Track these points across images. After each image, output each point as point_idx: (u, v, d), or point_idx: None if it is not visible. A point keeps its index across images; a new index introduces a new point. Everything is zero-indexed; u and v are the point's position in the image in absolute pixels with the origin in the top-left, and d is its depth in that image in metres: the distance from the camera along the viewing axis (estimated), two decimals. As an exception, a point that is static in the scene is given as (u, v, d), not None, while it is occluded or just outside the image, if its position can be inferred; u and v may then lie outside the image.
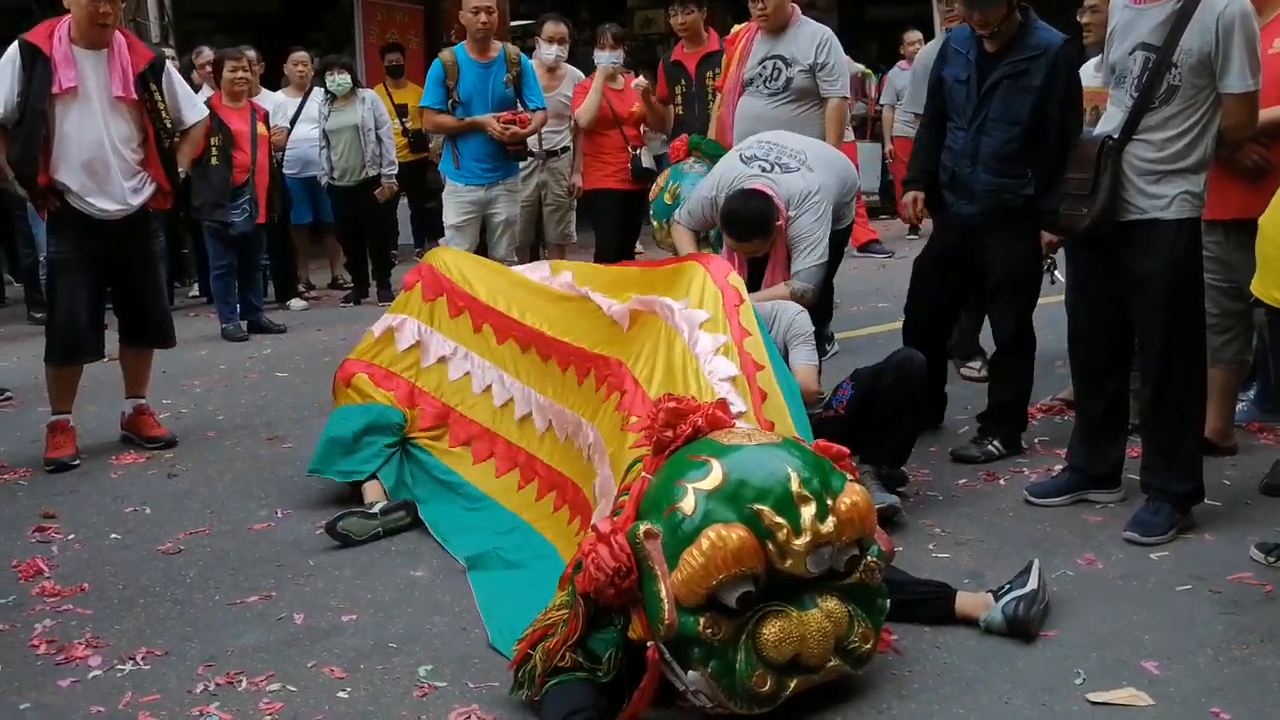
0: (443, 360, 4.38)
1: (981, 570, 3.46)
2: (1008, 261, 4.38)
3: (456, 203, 6.30)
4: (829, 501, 2.61)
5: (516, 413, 4.13)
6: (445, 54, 6.32)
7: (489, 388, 4.24)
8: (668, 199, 5.49)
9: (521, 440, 4.06)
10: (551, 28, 7.25)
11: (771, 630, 2.55)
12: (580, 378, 3.84)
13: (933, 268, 4.63)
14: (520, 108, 6.24)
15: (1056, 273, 4.38)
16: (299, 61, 8.85)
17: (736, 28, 6.00)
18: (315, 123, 8.50)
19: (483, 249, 6.34)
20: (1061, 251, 4.20)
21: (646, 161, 6.80)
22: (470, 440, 4.21)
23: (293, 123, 8.62)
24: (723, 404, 2.93)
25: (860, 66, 9.47)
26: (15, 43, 4.66)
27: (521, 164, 6.60)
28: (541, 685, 2.68)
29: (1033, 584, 3.09)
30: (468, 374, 4.32)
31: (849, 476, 2.77)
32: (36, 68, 4.55)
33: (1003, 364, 4.56)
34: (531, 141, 7.20)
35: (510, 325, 4.26)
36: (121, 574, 3.70)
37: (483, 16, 6.10)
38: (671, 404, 2.84)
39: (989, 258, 4.40)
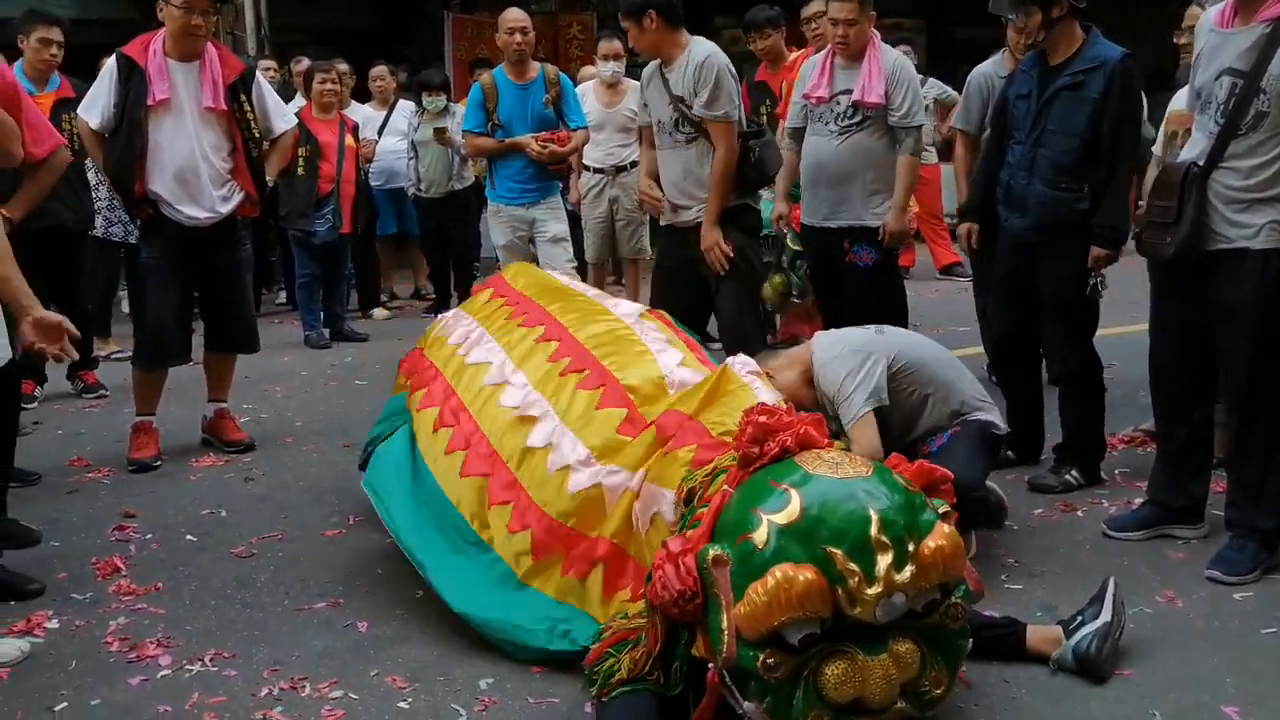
0: (467, 341, 4.02)
1: (1056, 603, 3.38)
2: (1059, 281, 4.30)
3: (499, 222, 6.37)
4: (911, 547, 2.47)
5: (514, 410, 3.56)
6: (484, 77, 6.40)
7: (499, 385, 3.71)
8: None
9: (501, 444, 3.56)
10: (606, 45, 7.34)
11: (833, 671, 2.46)
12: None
13: (1001, 292, 4.61)
14: (562, 127, 6.27)
15: (1100, 286, 4.27)
16: (378, 77, 8.98)
17: (793, 56, 6.07)
18: (400, 135, 8.64)
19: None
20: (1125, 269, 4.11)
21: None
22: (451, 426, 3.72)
23: (378, 135, 8.76)
24: (817, 422, 2.79)
25: (950, 90, 9.29)
26: (113, 55, 4.83)
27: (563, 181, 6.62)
28: (611, 691, 2.69)
29: (1106, 615, 3.01)
30: (485, 363, 3.84)
31: (944, 508, 2.63)
32: (133, 80, 4.70)
33: (1068, 392, 4.47)
34: (599, 158, 7.27)
35: (546, 320, 3.91)
36: (195, 575, 3.78)
37: (517, 37, 6.17)
38: (762, 418, 2.71)
39: (1041, 278, 4.35)
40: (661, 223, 5.12)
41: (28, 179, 4.06)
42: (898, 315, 5.10)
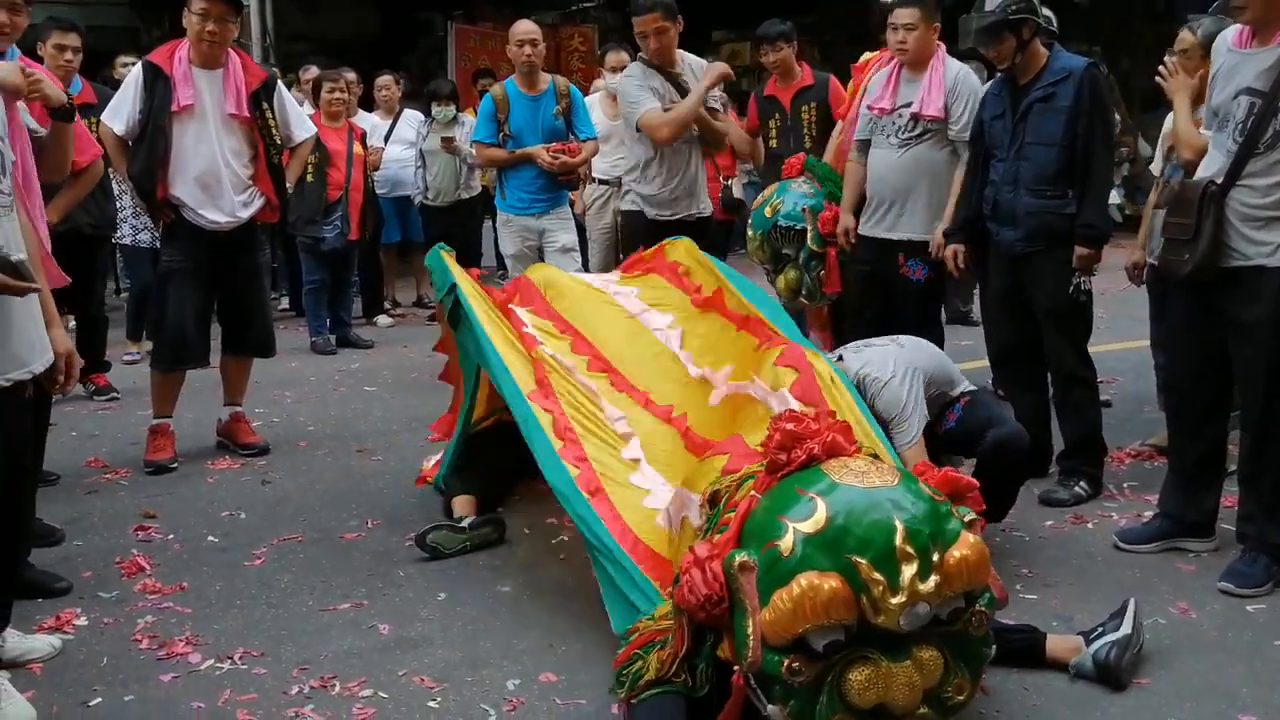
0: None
1: (1070, 614, 3.43)
2: (1054, 290, 4.40)
3: (509, 232, 6.39)
4: (936, 557, 2.49)
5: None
6: (495, 88, 6.43)
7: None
8: (768, 212, 5.55)
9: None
10: (614, 57, 7.43)
11: (857, 677, 2.48)
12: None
13: (997, 307, 4.70)
14: (571, 138, 6.32)
15: (1082, 286, 4.40)
16: (383, 86, 9.02)
17: (867, 55, 6.06)
18: (406, 144, 8.68)
19: None
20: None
21: (737, 192, 6.84)
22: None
23: (384, 143, 8.79)
24: (845, 429, 2.82)
25: None
26: (140, 63, 4.90)
27: (572, 191, 6.73)
28: (640, 691, 2.73)
29: (1126, 628, 3.06)
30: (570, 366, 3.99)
31: (970, 516, 2.65)
32: (157, 87, 4.75)
33: (1066, 397, 4.54)
34: (605, 169, 7.33)
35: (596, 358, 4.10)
36: (219, 575, 3.81)
37: (527, 49, 6.20)
38: (789, 425, 2.74)
39: (1035, 287, 4.45)
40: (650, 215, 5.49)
41: (67, 185, 4.12)
42: (936, 330, 5.11)
